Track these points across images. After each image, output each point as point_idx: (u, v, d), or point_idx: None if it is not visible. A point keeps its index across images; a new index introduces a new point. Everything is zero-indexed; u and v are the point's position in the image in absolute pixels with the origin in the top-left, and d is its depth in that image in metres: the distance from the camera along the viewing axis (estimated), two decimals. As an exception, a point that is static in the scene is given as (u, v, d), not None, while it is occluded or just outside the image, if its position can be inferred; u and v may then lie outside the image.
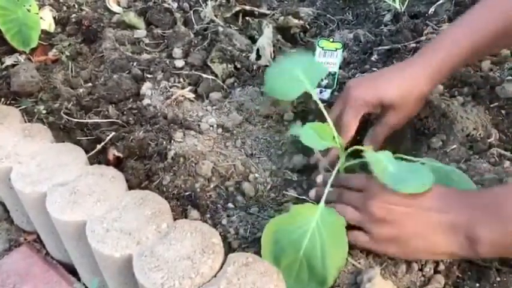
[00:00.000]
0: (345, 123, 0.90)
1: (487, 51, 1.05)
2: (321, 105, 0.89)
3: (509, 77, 1.06)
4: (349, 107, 0.90)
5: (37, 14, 1.28)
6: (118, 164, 0.95)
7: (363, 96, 0.89)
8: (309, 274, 0.70)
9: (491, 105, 1.02)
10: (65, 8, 1.48)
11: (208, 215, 0.86)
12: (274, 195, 0.93)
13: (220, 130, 1.03)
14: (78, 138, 1.02)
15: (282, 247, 0.71)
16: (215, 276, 0.64)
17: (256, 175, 0.96)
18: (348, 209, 0.76)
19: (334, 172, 0.82)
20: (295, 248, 0.71)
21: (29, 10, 1.26)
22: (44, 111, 1.07)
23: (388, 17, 1.31)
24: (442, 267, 0.75)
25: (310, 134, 0.81)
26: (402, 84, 0.89)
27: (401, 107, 0.90)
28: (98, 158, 0.98)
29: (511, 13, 0.87)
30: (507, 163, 0.90)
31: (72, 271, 0.87)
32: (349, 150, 0.84)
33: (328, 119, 0.87)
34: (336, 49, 1.06)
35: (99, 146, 0.98)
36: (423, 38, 1.20)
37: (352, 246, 0.77)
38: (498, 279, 0.71)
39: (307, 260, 0.70)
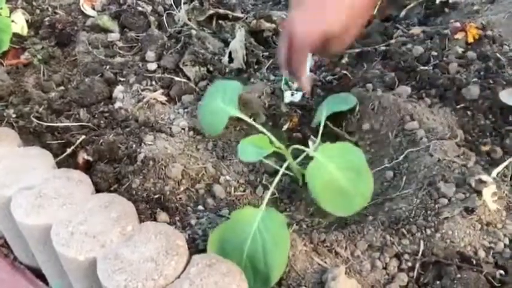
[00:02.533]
0: (295, 70, 0.92)
1: None
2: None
3: (475, 79, 1.09)
4: (295, 52, 0.88)
5: (8, 17, 1.27)
6: (88, 167, 0.95)
7: (309, 37, 0.85)
8: (253, 275, 0.72)
9: (458, 107, 1.04)
10: (38, 11, 1.47)
11: (177, 218, 0.86)
12: (245, 197, 0.94)
13: (191, 133, 1.04)
14: (48, 142, 1.01)
15: (227, 253, 0.73)
16: (178, 277, 0.64)
17: (228, 177, 0.96)
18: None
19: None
20: (239, 251, 0.73)
21: (-1, 13, 1.25)
22: (14, 115, 1.06)
23: (359, 21, 1.33)
24: (404, 265, 0.77)
25: (247, 149, 0.85)
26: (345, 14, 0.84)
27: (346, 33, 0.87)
28: (68, 162, 0.98)
29: None
30: (471, 162, 0.93)
31: (40, 276, 0.87)
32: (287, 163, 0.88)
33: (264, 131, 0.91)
34: (306, 52, 1.07)
35: (68, 150, 0.97)
36: (393, 41, 1.22)
37: (317, 246, 0.78)
38: (458, 275, 0.73)
39: (251, 262, 0.72)
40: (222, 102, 0.98)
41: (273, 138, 0.88)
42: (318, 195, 0.79)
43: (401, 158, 0.95)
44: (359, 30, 0.91)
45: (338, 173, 0.80)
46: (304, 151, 0.88)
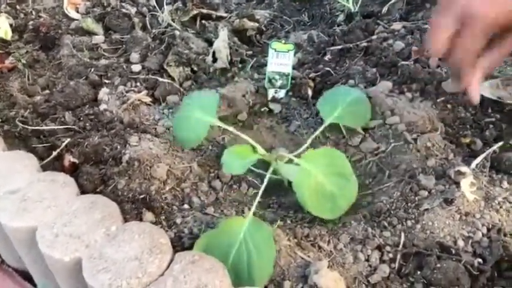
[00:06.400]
0: (463, 62, 0.73)
1: None
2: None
3: (455, 73, 1.11)
4: (473, 32, 0.69)
5: (-9, 22, 1.27)
6: (74, 170, 0.96)
7: (494, 19, 0.67)
8: (236, 286, 0.72)
9: (438, 100, 1.06)
10: (22, 15, 1.48)
11: (163, 217, 0.87)
12: (231, 195, 0.95)
13: (176, 133, 1.05)
14: (33, 145, 1.02)
15: None
16: (162, 274, 0.66)
17: (212, 175, 0.97)
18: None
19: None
20: (223, 261, 0.73)
21: (-18, 18, 1.26)
22: (-1, 120, 1.07)
23: (341, 17, 1.35)
24: (386, 257, 0.78)
25: (231, 160, 0.87)
26: None
27: None
28: (54, 165, 0.98)
29: None
30: (451, 155, 0.94)
31: (28, 278, 0.88)
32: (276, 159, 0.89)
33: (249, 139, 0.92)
34: (288, 50, 1.09)
35: (54, 153, 0.98)
36: (374, 37, 1.24)
37: (301, 241, 0.80)
38: (438, 265, 0.74)
39: (235, 272, 0.73)
40: (201, 112, 0.98)
41: (256, 144, 0.89)
42: (305, 202, 0.83)
43: (383, 152, 0.97)
44: None
45: (324, 178, 0.83)
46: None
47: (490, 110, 1.04)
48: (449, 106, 1.05)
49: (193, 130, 0.98)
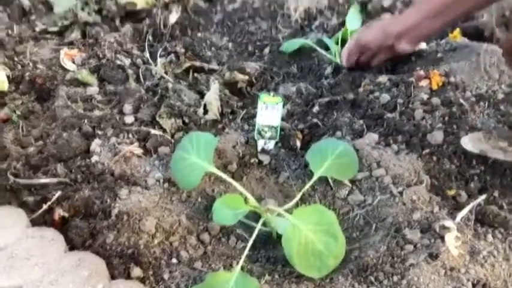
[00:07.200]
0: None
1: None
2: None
3: (440, 125, 1.14)
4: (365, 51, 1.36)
5: (-11, 75, 1.30)
6: (63, 223, 0.96)
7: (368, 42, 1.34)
8: None
9: (423, 152, 1.09)
10: (19, 67, 1.51)
11: (150, 272, 0.87)
12: (220, 249, 0.96)
13: (166, 184, 1.06)
14: (24, 198, 1.02)
15: None
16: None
17: (201, 228, 0.98)
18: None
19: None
20: None
21: (-20, 72, 1.29)
22: (-9, 173, 1.08)
23: (328, 70, 1.39)
24: None
25: (222, 211, 0.88)
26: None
27: None
28: (45, 218, 0.99)
29: None
30: (436, 207, 0.96)
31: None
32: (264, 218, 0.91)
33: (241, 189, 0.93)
34: (277, 103, 1.12)
35: (45, 206, 0.99)
36: (361, 89, 1.27)
37: None
38: None
39: None
40: (197, 156, 1.00)
41: (249, 195, 0.91)
42: (293, 258, 0.84)
43: (370, 205, 0.98)
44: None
45: (313, 236, 0.85)
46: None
47: (474, 162, 1.07)
48: (434, 158, 1.08)
49: (189, 174, 1.00)
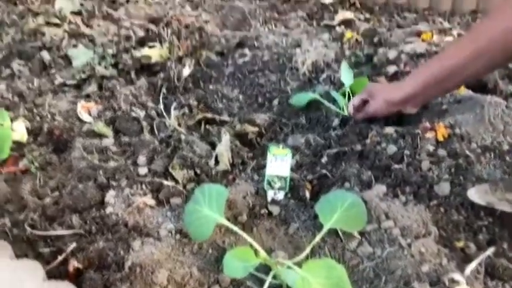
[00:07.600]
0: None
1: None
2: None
3: (446, 176, 1.16)
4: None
5: (9, 128, 1.36)
6: (78, 275, 0.99)
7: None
8: None
9: (431, 203, 1.10)
10: (38, 118, 1.57)
11: (163, 324, 0.89)
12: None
13: (178, 236, 1.08)
14: (40, 250, 1.05)
15: None
16: None
17: (212, 281, 0.99)
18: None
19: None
20: None
21: (1, 124, 1.35)
22: (9, 224, 1.11)
23: (336, 122, 1.43)
24: None
25: (233, 264, 0.89)
26: None
27: None
28: (59, 269, 1.01)
29: None
30: (445, 260, 0.97)
31: None
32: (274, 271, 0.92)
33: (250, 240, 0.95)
34: (286, 155, 1.15)
35: (60, 258, 1.01)
36: (368, 140, 1.31)
37: None
38: None
39: None
40: (209, 208, 1.03)
41: (259, 248, 0.92)
42: None
43: (379, 257, 0.99)
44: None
45: None
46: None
47: (482, 213, 1.08)
48: (441, 209, 1.09)
49: (201, 226, 1.02)
